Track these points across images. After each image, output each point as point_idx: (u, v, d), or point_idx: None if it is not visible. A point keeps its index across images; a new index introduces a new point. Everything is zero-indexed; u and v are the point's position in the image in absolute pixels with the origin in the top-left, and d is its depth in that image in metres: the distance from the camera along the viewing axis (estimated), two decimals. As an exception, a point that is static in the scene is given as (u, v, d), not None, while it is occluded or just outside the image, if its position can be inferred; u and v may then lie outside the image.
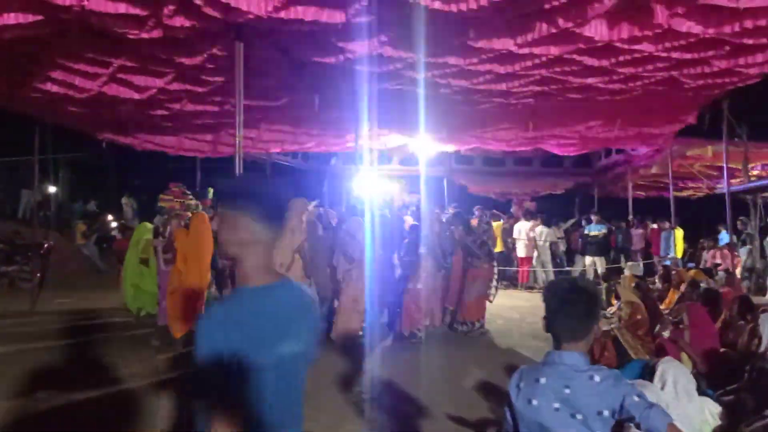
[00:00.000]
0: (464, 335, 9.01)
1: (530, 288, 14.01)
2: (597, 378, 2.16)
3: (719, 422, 4.23)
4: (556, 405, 2.15)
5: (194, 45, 6.26)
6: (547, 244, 14.64)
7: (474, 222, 12.98)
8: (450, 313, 9.57)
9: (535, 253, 14.33)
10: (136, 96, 7.83)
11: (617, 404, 2.12)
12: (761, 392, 4.66)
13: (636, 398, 2.12)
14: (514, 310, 10.81)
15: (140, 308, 9.01)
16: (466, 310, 9.15)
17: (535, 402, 2.18)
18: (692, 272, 9.15)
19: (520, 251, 14.38)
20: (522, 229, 14.41)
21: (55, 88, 7.54)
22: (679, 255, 14.80)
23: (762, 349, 5.42)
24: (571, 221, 17.40)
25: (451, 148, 13.87)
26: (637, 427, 2.14)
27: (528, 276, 14.42)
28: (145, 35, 5.59)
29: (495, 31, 5.82)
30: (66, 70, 7.05)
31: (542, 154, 15.95)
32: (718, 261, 14.09)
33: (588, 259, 14.23)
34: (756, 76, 7.19)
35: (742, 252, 12.59)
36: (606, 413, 2.12)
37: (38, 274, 11.39)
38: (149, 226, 9.25)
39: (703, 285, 8.39)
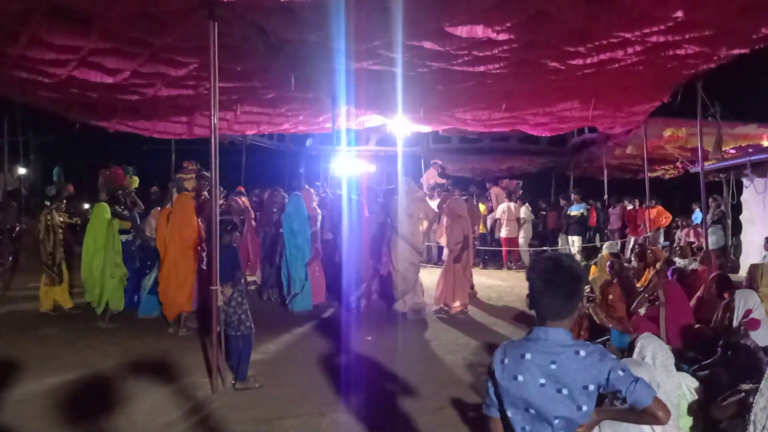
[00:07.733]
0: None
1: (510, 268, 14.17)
2: (582, 353, 2.16)
3: (696, 397, 4.29)
4: (542, 380, 2.15)
5: (167, 24, 6.11)
6: (530, 223, 14.91)
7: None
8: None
9: (523, 233, 14.57)
10: (109, 79, 7.62)
11: (603, 378, 2.14)
12: (735, 367, 4.73)
13: (621, 372, 2.14)
14: (491, 289, 10.87)
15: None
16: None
17: (520, 378, 2.18)
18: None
19: (504, 232, 14.50)
20: (506, 209, 14.53)
21: (24, 74, 7.34)
22: (655, 234, 14.98)
23: (735, 324, 5.51)
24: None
25: (428, 128, 13.81)
26: (623, 401, 2.16)
27: (516, 255, 14.54)
28: (116, 13, 5.45)
29: (471, 17, 5.76)
30: (35, 55, 6.81)
31: (519, 131, 15.99)
32: (692, 239, 14.29)
33: (570, 238, 14.40)
34: (725, 58, 7.26)
35: (711, 231, 12.70)
36: (591, 387, 2.14)
37: (10, 258, 11.14)
38: (105, 205, 8.36)
39: (681, 263, 8.51)
